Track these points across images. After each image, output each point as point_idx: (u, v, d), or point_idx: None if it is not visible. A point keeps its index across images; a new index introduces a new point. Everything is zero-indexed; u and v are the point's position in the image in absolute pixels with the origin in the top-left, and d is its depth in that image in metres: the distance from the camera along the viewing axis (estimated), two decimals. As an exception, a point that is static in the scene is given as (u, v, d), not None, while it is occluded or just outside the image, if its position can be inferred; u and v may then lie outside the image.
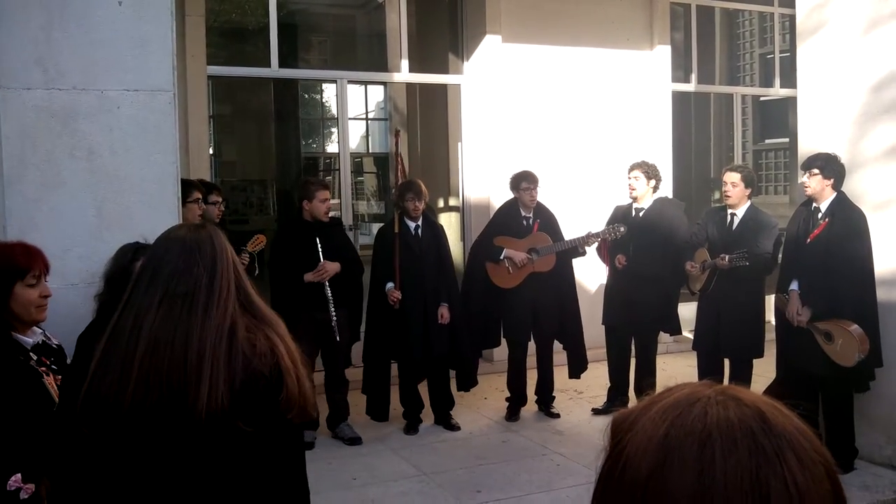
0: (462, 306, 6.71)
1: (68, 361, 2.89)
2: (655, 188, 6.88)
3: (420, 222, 6.58)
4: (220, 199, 6.36)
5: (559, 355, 6.98)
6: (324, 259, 6.14)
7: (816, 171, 5.51)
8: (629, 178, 6.84)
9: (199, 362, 1.93)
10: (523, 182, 6.80)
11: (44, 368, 2.73)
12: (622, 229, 6.63)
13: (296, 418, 2.05)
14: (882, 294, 5.47)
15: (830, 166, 5.51)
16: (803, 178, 5.62)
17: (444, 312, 6.50)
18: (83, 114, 3.62)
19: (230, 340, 1.97)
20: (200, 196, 5.82)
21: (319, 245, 6.13)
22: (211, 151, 8.87)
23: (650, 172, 6.80)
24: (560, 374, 7.02)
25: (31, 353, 2.73)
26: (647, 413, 0.93)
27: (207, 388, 1.90)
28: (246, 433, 1.94)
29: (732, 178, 6.19)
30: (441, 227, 6.90)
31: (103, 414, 1.94)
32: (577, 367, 6.97)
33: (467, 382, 6.80)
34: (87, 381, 1.96)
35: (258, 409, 1.97)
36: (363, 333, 6.62)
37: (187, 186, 5.68)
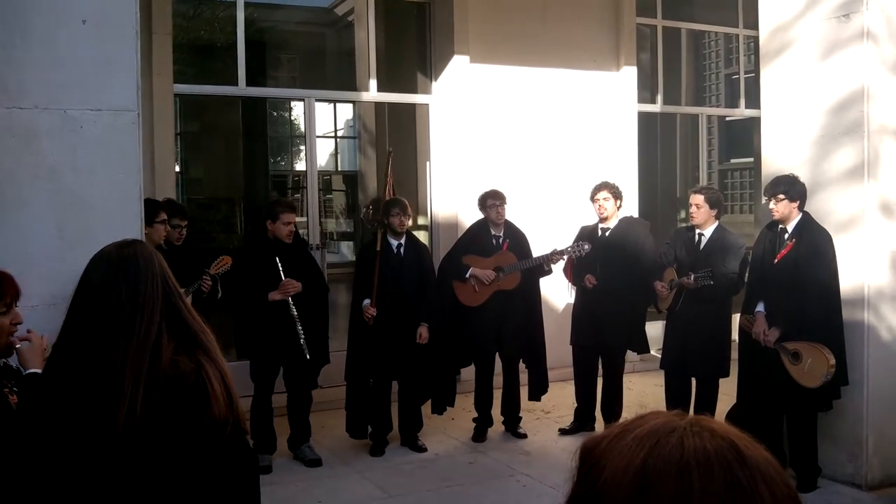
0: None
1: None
2: (619, 207, 6.92)
3: (403, 241, 6.57)
4: (183, 224, 6.30)
5: (525, 375, 6.98)
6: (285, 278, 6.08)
7: (782, 195, 5.58)
8: (598, 199, 6.82)
9: (120, 384, 1.92)
10: (489, 199, 6.82)
11: (7, 389, 2.67)
12: (586, 247, 6.66)
13: (234, 438, 2.04)
14: (845, 313, 5.53)
15: (795, 189, 5.59)
16: (770, 204, 5.67)
17: (423, 332, 6.47)
18: (46, 133, 3.58)
19: (152, 362, 1.96)
20: (167, 217, 5.78)
21: (280, 264, 6.05)
22: (178, 169, 8.82)
23: (616, 192, 6.84)
24: (527, 393, 7.02)
25: None
26: (622, 440, 0.93)
27: (126, 411, 1.90)
28: (166, 455, 1.93)
29: (696, 200, 6.26)
30: (424, 246, 6.90)
31: (39, 435, 1.98)
32: (538, 388, 6.97)
33: (442, 404, 6.79)
34: (28, 402, 2.00)
35: (178, 431, 1.96)
36: (346, 351, 6.58)
37: (154, 207, 5.66)
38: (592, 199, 6.89)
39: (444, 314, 6.66)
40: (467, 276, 6.69)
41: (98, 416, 1.93)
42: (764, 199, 5.89)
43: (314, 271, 6.44)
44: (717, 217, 6.30)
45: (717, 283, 6.00)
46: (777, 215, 5.64)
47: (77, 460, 1.95)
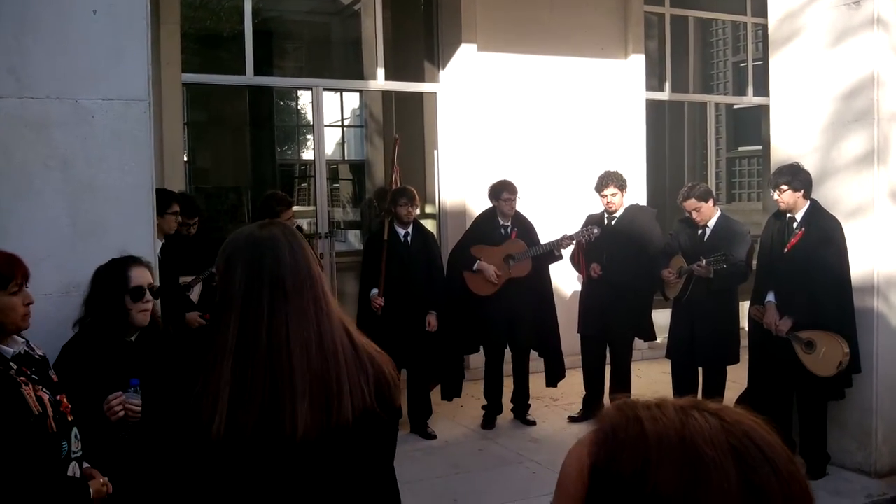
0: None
1: (51, 372, 2.88)
2: (625, 195, 6.87)
3: (410, 229, 6.59)
4: (191, 222, 6.22)
5: (535, 363, 6.99)
6: None
7: (785, 186, 5.55)
8: (606, 195, 6.73)
9: (337, 369, 1.86)
10: (504, 192, 6.78)
11: (23, 378, 2.70)
12: (596, 230, 6.63)
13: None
14: (854, 301, 5.53)
15: (797, 178, 5.54)
16: (774, 195, 5.65)
17: (431, 320, 6.50)
18: (57, 123, 3.59)
19: (351, 342, 1.92)
20: (179, 208, 5.76)
21: None
22: (185, 159, 8.83)
23: (622, 184, 6.76)
24: (536, 381, 7.03)
25: (11, 363, 2.71)
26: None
27: (349, 391, 1.84)
28: (385, 427, 1.94)
29: (693, 205, 6.17)
30: (431, 234, 6.90)
31: (263, 443, 1.82)
32: (555, 375, 6.98)
33: (451, 391, 6.81)
34: (224, 412, 1.81)
35: (387, 407, 1.94)
36: None
37: (167, 197, 5.63)
38: (599, 192, 6.84)
39: (452, 301, 6.67)
40: (475, 268, 6.69)
41: (328, 408, 1.83)
42: (771, 192, 5.87)
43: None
44: (716, 204, 6.32)
45: (728, 267, 5.98)
46: (783, 206, 5.61)
47: (308, 458, 1.85)
